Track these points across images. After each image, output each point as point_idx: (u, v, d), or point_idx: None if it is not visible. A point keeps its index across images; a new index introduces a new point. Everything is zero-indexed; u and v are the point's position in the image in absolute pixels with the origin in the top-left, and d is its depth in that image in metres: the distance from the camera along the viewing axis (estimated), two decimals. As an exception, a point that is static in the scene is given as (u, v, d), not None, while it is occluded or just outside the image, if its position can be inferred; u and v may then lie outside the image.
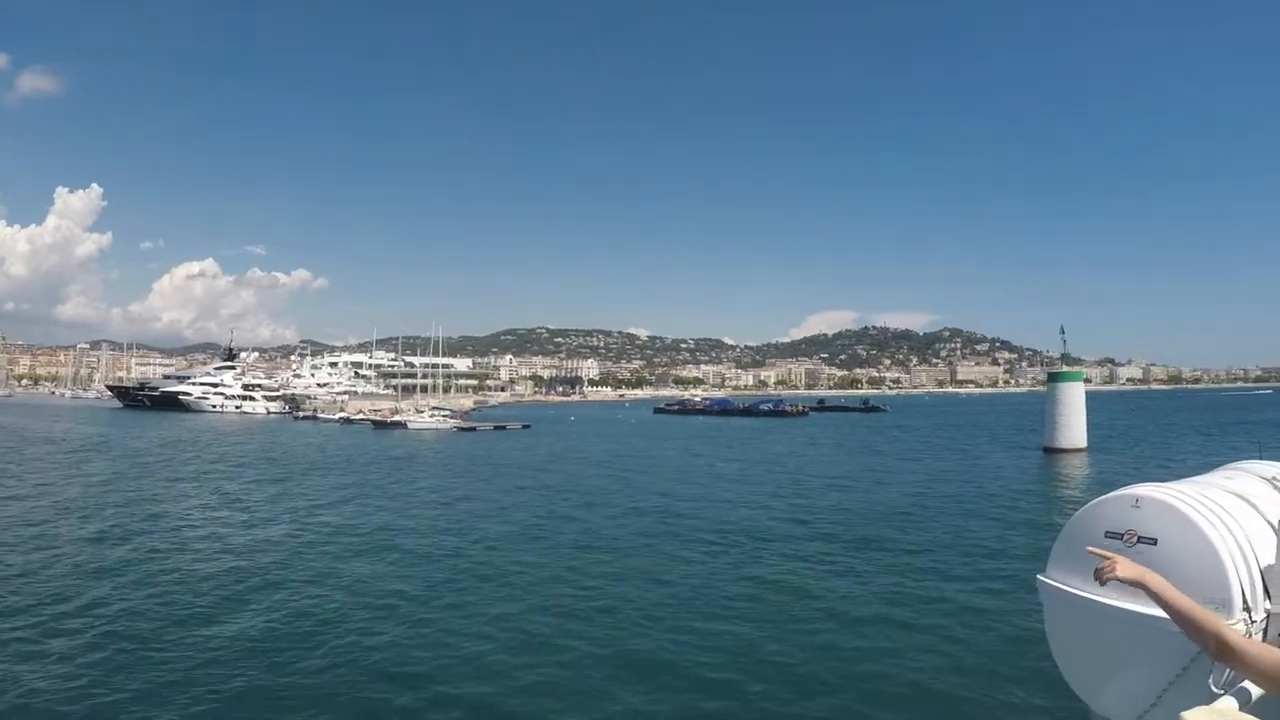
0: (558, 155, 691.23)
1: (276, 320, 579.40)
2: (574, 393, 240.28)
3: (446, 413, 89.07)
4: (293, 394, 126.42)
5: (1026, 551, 18.99)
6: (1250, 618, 3.35)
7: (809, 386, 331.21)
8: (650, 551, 19.55)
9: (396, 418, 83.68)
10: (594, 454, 50.28)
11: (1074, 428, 47.31)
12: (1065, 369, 50.80)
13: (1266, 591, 3.47)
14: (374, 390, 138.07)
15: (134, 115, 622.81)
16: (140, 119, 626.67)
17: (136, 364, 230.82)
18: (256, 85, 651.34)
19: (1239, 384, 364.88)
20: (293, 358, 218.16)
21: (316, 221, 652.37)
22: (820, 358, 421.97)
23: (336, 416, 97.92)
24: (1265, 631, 3.40)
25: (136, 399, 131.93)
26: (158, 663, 11.58)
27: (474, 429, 77.10)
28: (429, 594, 15.63)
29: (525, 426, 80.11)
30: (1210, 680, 2.68)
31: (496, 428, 77.64)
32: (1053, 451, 46.53)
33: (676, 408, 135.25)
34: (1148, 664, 3.56)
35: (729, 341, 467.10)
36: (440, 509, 27.09)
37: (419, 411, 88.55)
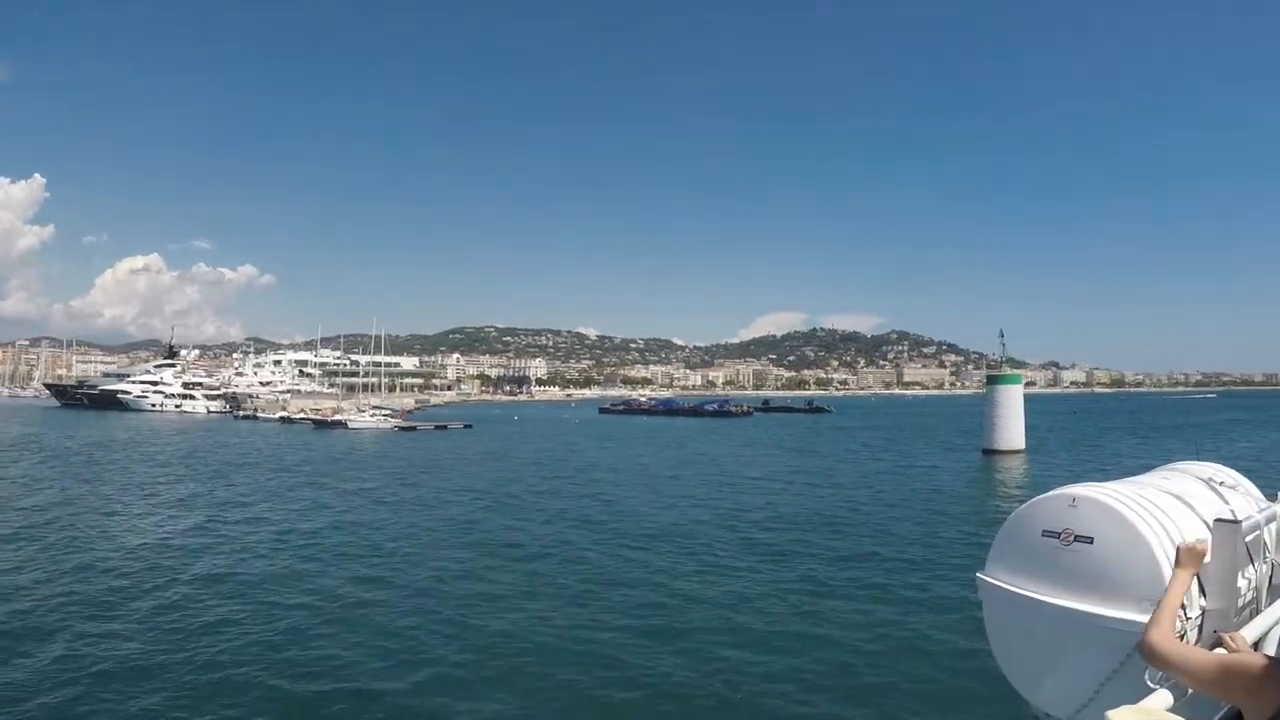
0: (510, 155, 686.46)
1: (222, 317, 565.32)
2: (521, 392, 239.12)
3: (387, 412, 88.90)
4: (234, 393, 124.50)
5: (959, 552, 19.26)
6: (1185, 614, 3.43)
7: (757, 387, 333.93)
8: (564, 557, 19.32)
9: (337, 417, 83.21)
10: (531, 454, 50.04)
11: (1012, 430, 47.95)
12: (1004, 372, 51.40)
13: (1201, 588, 3.56)
14: (318, 389, 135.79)
15: (80, 105, 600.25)
16: (86, 109, 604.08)
17: (78, 361, 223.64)
18: (204, 78, 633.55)
19: (1180, 388, 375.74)
20: (235, 355, 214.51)
21: (264, 216, 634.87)
22: (769, 359, 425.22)
23: (277, 416, 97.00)
24: (1200, 627, 3.48)
25: (75, 398, 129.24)
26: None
27: (415, 428, 77.15)
28: (320, 598, 15.48)
29: (467, 426, 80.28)
30: (1146, 675, 2.73)
31: (438, 427, 77.64)
32: (991, 453, 47.10)
33: (622, 407, 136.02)
34: (1085, 659, 3.63)
35: (678, 342, 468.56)
36: (361, 510, 26.93)
37: (360, 411, 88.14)
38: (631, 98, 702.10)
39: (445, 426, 78.65)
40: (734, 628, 13.46)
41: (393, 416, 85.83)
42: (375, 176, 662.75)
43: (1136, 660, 3.37)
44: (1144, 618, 3.44)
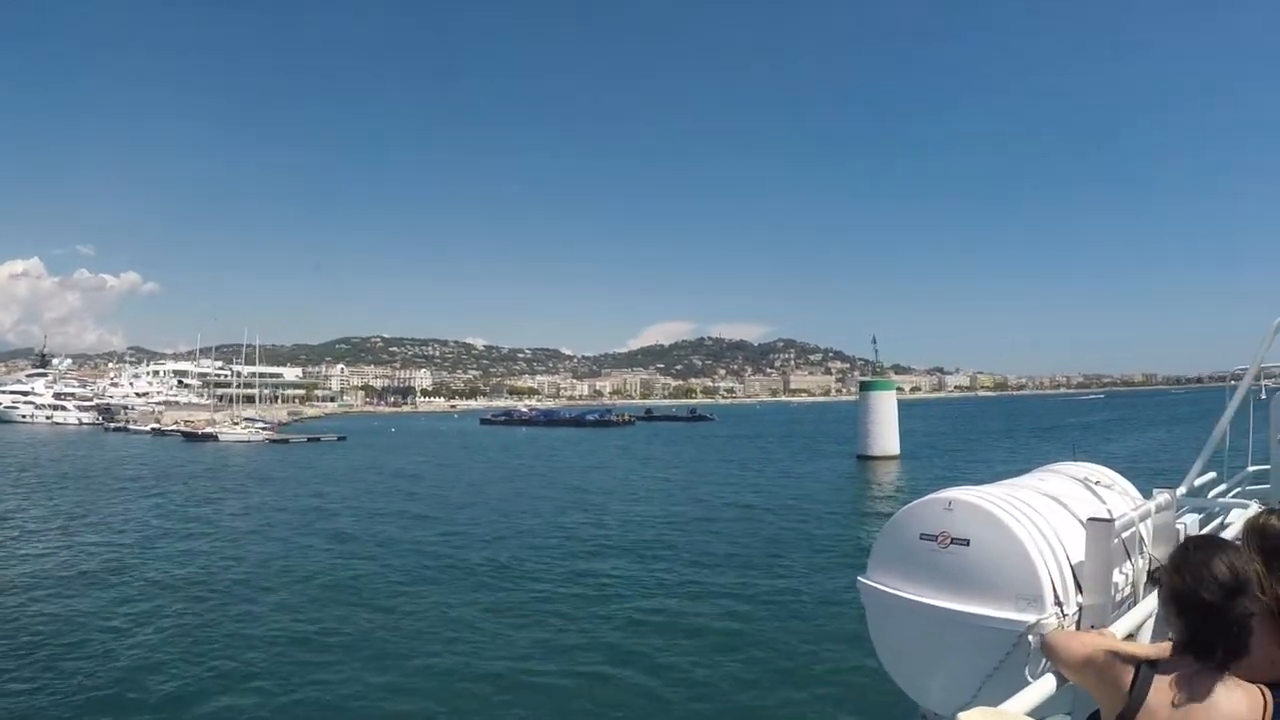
0: (398, 164, 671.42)
1: (104, 325, 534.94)
2: (405, 403, 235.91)
3: (260, 424, 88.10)
4: (107, 404, 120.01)
5: (825, 560, 19.61)
6: (1062, 611, 3.55)
7: (644, 396, 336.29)
8: (379, 580, 18.62)
9: (208, 429, 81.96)
10: (395, 467, 49.17)
11: (886, 435, 48.59)
12: (877, 378, 52.35)
13: (1078, 585, 3.69)
14: (195, 400, 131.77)
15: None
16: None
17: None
18: (90, 76, 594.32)
19: (1062, 390, 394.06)
20: (111, 365, 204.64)
21: (149, 222, 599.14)
22: (657, 368, 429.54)
23: (149, 427, 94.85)
24: (1078, 623, 3.61)
25: None
26: None
27: (286, 441, 76.67)
28: (125, 619, 15.06)
29: (340, 439, 79.95)
30: (1026, 670, 2.80)
31: (310, 440, 77.55)
32: (866, 459, 47.51)
33: (503, 419, 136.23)
34: (966, 658, 3.71)
35: (567, 352, 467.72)
36: (194, 526, 26.34)
37: (234, 423, 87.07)
38: (520, 104, 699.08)
39: (318, 439, 78.56)
40: (597, 645, 13.22)
41: (265, 429, 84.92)
42: (264, 184, 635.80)
43: (1016, 656, 3.47)
44: (1021, 616, 3.56)
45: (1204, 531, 4.85)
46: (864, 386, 51.35)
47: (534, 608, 15.62)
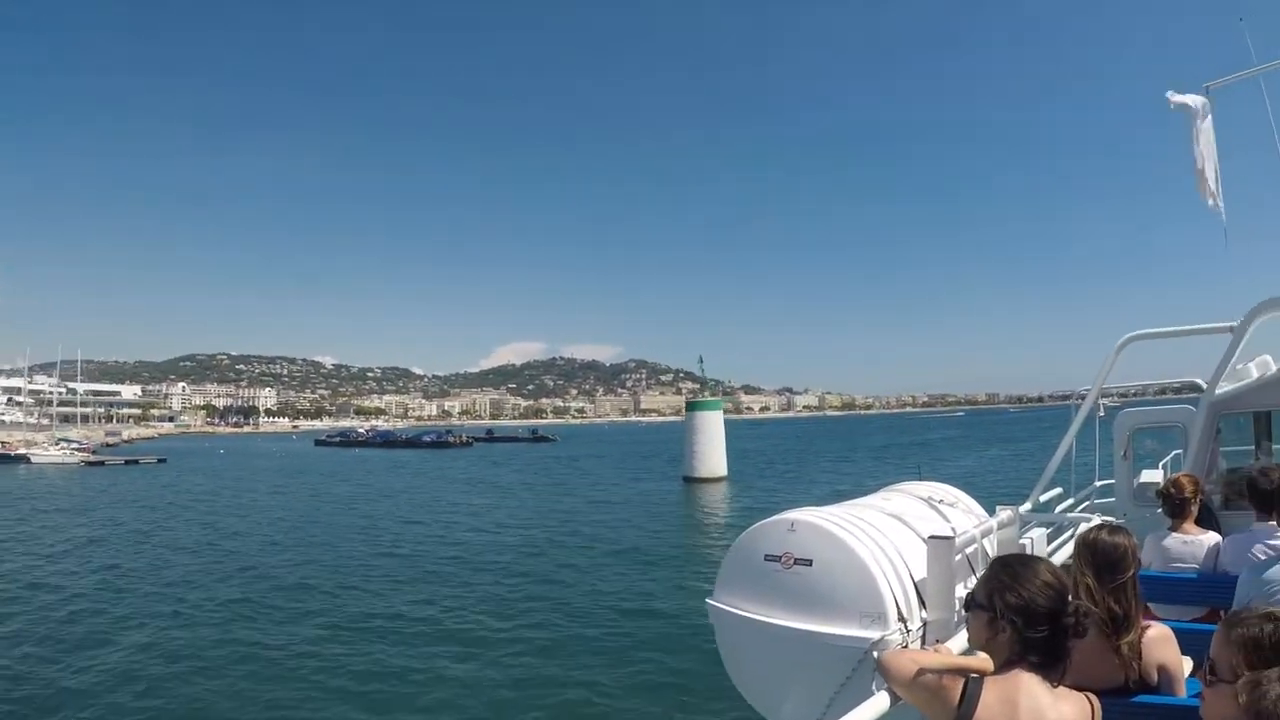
0: (245, 173, 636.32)
1: None
2: (247, 424, 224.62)
3: (76, 445, 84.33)
4: None
5: (608, 587, 18.79)
6: (906, 628, 3.66)
7: (493, 416, 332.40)
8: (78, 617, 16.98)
9: (20, 451, 77.69)
10: (195, 492, 46.52)
11: (712, 457, 47.08)
12: (703, 398, 50.59)
13: (922, 602, 3.82)
14: (23, 420, 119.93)
15: None
16: None
17: None
18: None
19: (908, 409, 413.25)
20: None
21: None
22: (508, 388, 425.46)
23: None
24: (923, 639, 3.74)
25: None
26: None
27: (103, 463, 73.65)
28: None
29: (161, 460, 76.99)
30: (874, 686, 2.86)
31: (128, 462, 74.59)
32: (692, 481, 45.82)
33: (338, 440, 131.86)
34: (815, 676, 3.79)
35: (418, 371, 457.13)
36: None
37: (53, 444, 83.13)
38: (370, 119, 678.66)
39: (137, 461, 75.31)
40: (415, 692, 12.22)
41: (81, 450, 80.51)
42: (113, 190, 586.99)
43: (863, 673, 3.56)
44: (865, 633, 3.65)
45: (1050, 546, 5.14)
46: (690, 406, 49.54)
47: (258, 653, 14.06)
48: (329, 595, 18.67)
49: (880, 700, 2.53)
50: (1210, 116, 7.55)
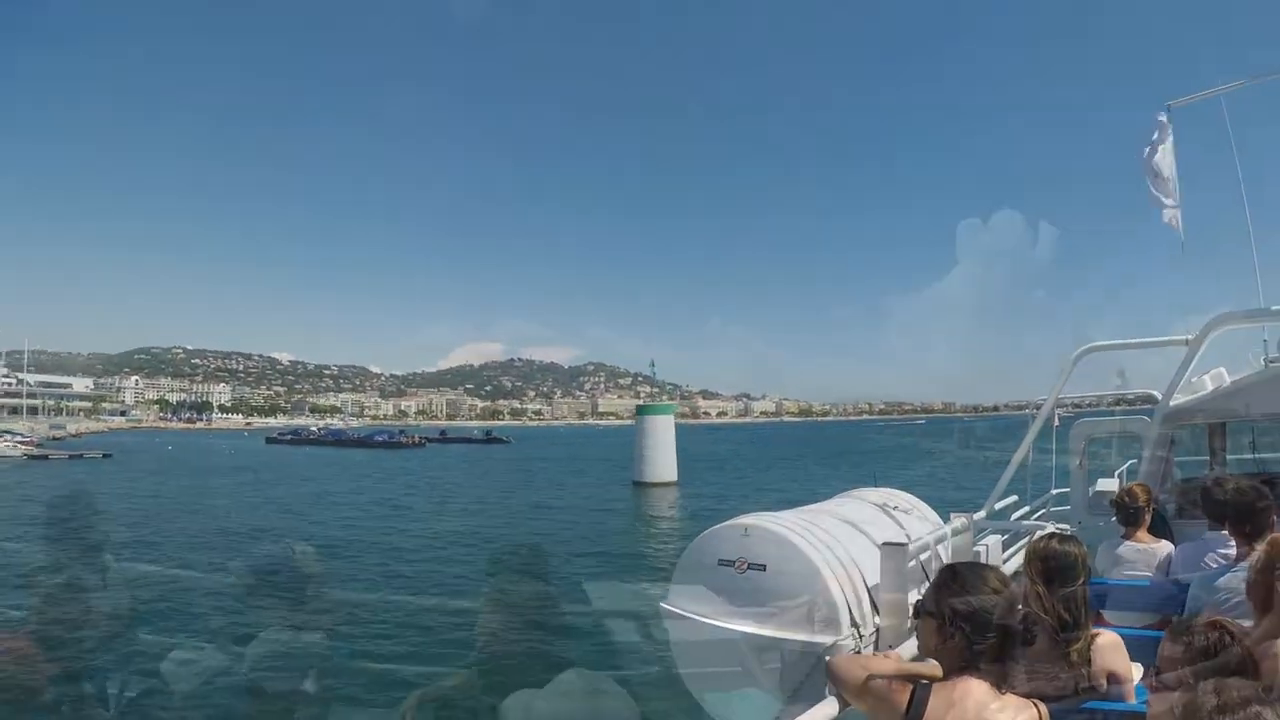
0: (205, 164, 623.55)
1: None
2: (201, 420, 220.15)
3: (19, 438, 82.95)
4: None
5: (575, 591, 18.21)
6: (859, 633, 3.66)
7: (450, 417, 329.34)
8: None
9: None
10: (136, 488, 45.20)
11: (661, 461, 46.77)
12: (654, 402, 50.90)
13: (875, 608, 3.82)
14: None
15: None
16: None
17: None
18: None
19: (865, 416, 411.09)
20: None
21: None
22: (466, 388, 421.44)
23: None
24: (876, 644, 3.73)
25: None
26: None
27: (46, 457, 72.28)
28: None
29: (106, 455, 75.92)
30: (826, 690, 2.84)
31: (72, 456, 73.49)
32: (641, 485, 45.33)
33: (290, 438, 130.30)
34: (767, 679, 3.77)
35: (375, 369, 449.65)
36: None
37: None
38: (335, 115, 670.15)
39: (82, 455, 74.34)
40: None
41: (23, 443, 79.43)
42: (74, 179, 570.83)
43: (815, 678, 3.54)
44: (818, 638, 3.64)
45: (1005, 554, 5.16)
46: (641, 410, 49.24)
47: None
48: (234, 601, 17.72)
49: (829, 705, 2.51)
50: (1171, 135, 7.71)
